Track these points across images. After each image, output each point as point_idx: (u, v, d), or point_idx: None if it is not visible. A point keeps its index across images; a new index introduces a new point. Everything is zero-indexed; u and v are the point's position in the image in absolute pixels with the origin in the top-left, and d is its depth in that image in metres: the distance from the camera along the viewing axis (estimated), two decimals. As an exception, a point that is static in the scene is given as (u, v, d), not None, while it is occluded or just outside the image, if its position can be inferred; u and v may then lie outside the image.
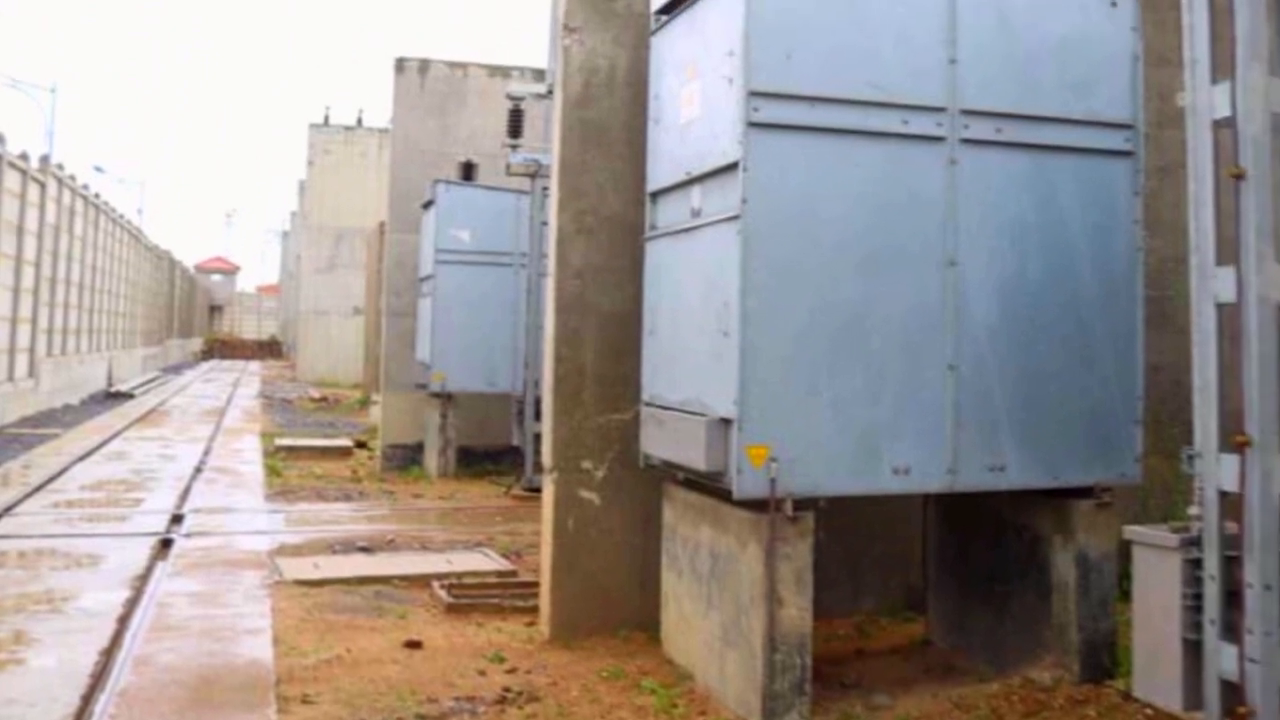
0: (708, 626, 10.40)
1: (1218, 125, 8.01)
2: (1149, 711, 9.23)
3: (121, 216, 64.53)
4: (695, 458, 9.73)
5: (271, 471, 25.59)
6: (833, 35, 9.68)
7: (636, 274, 11.72)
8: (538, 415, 17.74)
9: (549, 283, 12.46)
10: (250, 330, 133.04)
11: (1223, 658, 7.80)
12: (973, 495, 10.43)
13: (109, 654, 11.25)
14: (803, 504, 9.43)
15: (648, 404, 11.26)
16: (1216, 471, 7.92)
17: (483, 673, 10.89)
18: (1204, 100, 8.08)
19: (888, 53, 9.82)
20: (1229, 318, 7.90)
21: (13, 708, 9.78)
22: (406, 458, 26.62)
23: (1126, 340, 10.41)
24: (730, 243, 9.51)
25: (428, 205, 25.54)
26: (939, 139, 9.91)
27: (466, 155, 25.84)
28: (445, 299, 24.56)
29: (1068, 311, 10.26)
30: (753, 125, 9.39)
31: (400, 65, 27.25)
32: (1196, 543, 8.10)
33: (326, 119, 68.94)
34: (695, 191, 10.42)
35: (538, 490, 14.21)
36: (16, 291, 37.87)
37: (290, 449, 29.15)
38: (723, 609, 10.11)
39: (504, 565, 15.55)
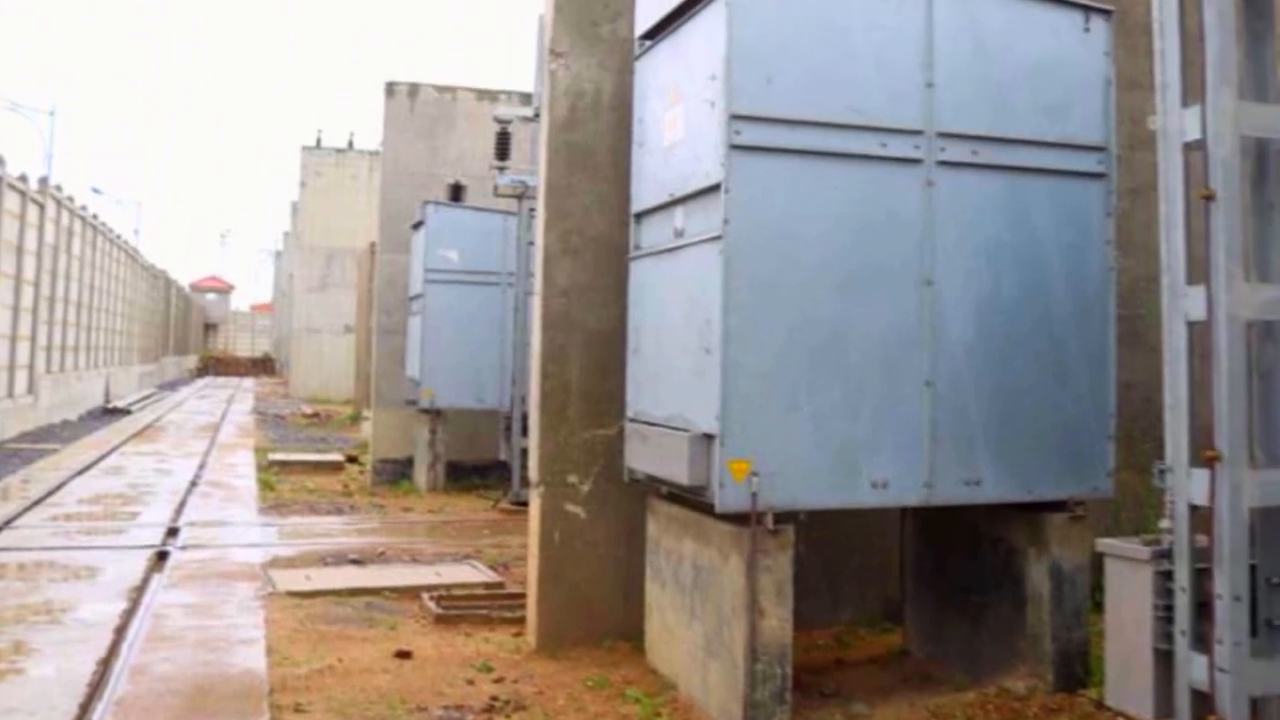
0: (691, 637, 10.38)
1: (1188, 148, 8.01)
2: (1121, 720, 9.25)
3: (118, 237, 64.40)
4: (678, 472, 9.72)
5: (265, 486, 25.52)
6: (812, 60, 9.68)
7: (621, 293, 11.71)
8: (525, 431, 17.72)
9: (535, 301, 12.45)
10: (244, 348, 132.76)
11: (1193, 667, 7.79)
12: (949, 509, 10.44)
13: (106, 664, 11.23)
14: (783, 517, 9.43)
15: (632, 420, 11.25)
16: (1187, 486, 7.91)
17: (471, 682, 10.88)
18: (1175, 123, 8.08)
19: (866, 77, 9.82)
20: (1199, 336, 7.90)
21: (13, 716, 9.75)
22: (397, 472, 26.61)
23: (1099, 358, 10.42)
24: (712, 262, 9.50)
25: (417, 226, 25.55)
26: (916, 161, 9.91)
27: (455, 177, 25.86)
28: (434, 317, 24.54)
29: (1042, 329, 10.26)
30: (734, 148, 9.39)
31: (390, 89, 27.28)
32: (1167, 555, 8.09)
33: (318, 142, 68.85)
34: (678, 212, 10.41)
35: (525, 504, 14.19)
36: (16, 310, 37.78)
37: (283, 464, 29.08)
38: (705, 620, 10.09)
39: (492, 577, 15.50)
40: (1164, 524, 8.15)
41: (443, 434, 25.46)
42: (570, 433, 12.02)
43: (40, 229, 40.92)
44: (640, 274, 11.37)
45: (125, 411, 49.97)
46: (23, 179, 38.58)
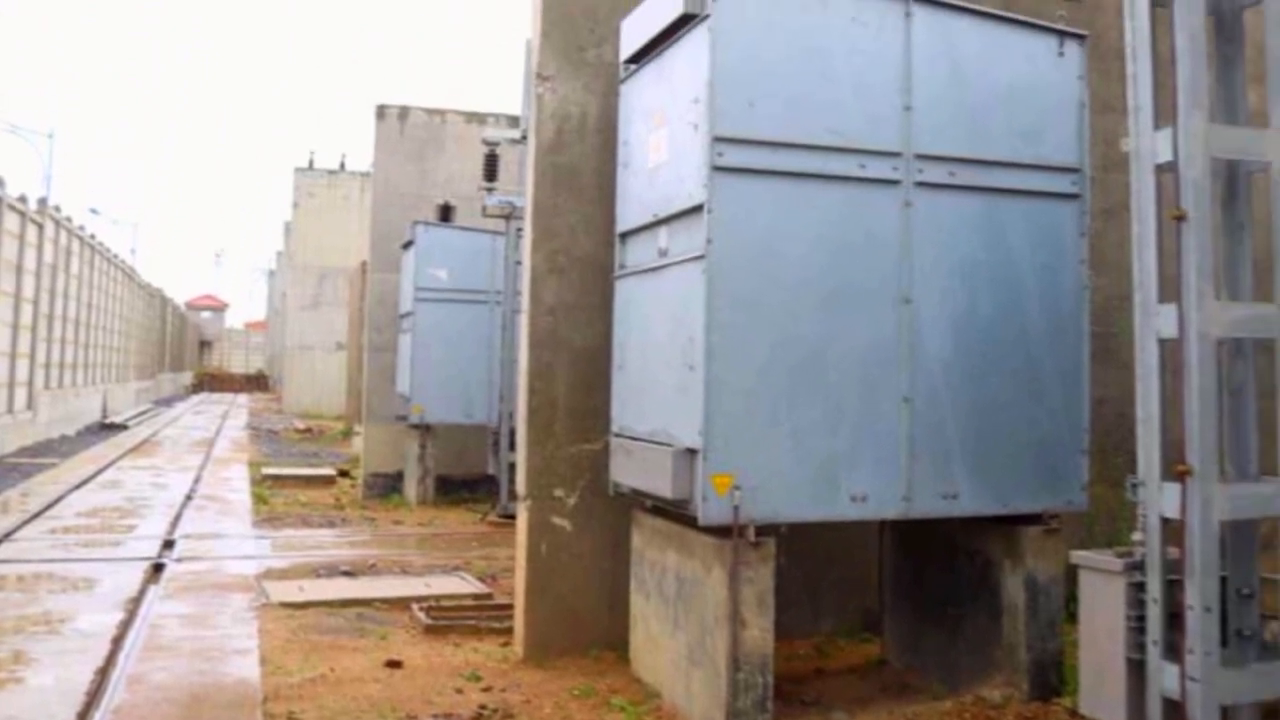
0: (674, 646, 10.36)
1: (1160, 169, 8.02)
2: (1094, 727, 9.23)
3: (116, 256, 64.29)
4: (662, 486, 9.70)
5: (259, 499, 25.46)
6: (794, 83, 9.68)
7: (606, 311, 11.70)
8: (512, 445, 17.68)
9: (523, 319, 12.44)
10: (238, 364, 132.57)
11: (1165, 677, 7.78)
12: (927, 522, 10.43)
13: (104, 673, 11.23)
14: (765, 530, 9.42)
15: (617, 435, 11.24)
16: (1159, 499, 7.91)
17: (460, 691, 10.86)
18: (1147, 145, 8.08)
19: (846, 100, 9.83)
20: (1171, 353, 7.90)
21: (13, 724, 9.76)
22: (387, 486, 26.55)
23: (1073, 374, 10.42)
24: (696, 281, 9.50)
25: (407, 245, 25.56)
26: (895, 182, 9.91)
27: (444, 198, 25.90)
28: (424, 335, 24.57)
29: (1017, 347, 10.27)
30: (717, 169, 9.38)
31: (381, 112, 27.29)
32: (1140, 567, 8.07)
33: (311, 163, 68.85)
34: (662, 232, 10.41)
35: (512, 517, 14.14)
36: (15, 328, 37.68)
37: (276, 478, 29.02)
38: (688, 630, 10.07)
39: (480, 588, 15.48)
40: (1136, 536, 8.14)
41: (432, 449, 25.47)
42: (557, 447, 12.01)
43: (39, 248, 40.84)
44: (625, 292, 11.36)
45: (122, 427, 49.88)
46: (22, 200, 38.52)
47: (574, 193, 12.16)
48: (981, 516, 10.33)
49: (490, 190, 22.58)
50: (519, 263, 16.99)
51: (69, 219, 47.67)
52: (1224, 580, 7.88)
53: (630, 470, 10.71)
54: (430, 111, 27.62)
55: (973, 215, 10.20)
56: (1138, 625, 8.07)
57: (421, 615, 13.49)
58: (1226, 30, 8.38)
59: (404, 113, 27.38)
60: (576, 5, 12.26)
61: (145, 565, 17.09)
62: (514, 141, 21.81)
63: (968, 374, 10.10)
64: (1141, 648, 8.01)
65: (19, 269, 38.07)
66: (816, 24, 9.81)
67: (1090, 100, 10.76)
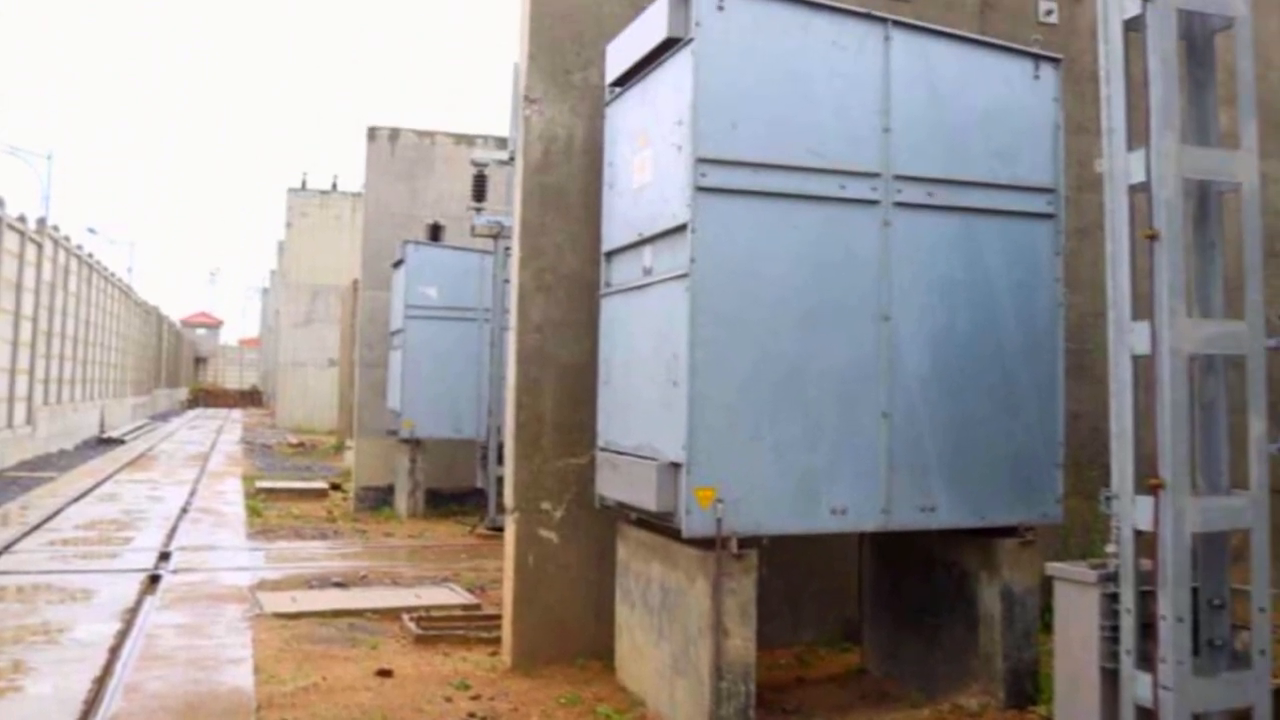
0: (659, 656, 10.34)
1: (1133, 190, 8.00)
2: (1070, 735, 9.21)
3: (113, 274, 64.29)
4: (647, 499, 9.68)
5: (252, 512, 25.41)
6: (775, 106, 9.68)
7: (592, 328, 11.69)
8: (500, 459, 17.65)
9: (511, 336, 12.45)
10: (233, 380, 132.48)
11: (1138, 685, 7.76)
12: (905, 534, 10.42)
13: (101, 682, 11.23)
14: (747, 542, 9.40)
15: (602, 449, 11.22)
16: (1132, 512, 7.88)
17: (449, 699, 10.84)
18: (1120, 166, 8.07)
19: (826, 122, 9.83)
20: (1144, 369, 7.88)
21: (13, 732, 9.75)
22: (378, 499, 26.49)
23: (1048, 389, 10.43)
24: (679, 299, 9.49)
25: (398, 264, 25.55)
26: (874, 202, 9.92)
27: (434, 217, 25.92)
28: (414, 351, 24.57)
29: (994, 363, 10.27)
30: (700, 190, 9.38)
31: (372, 133, 27.29)
32: (1113, 578, 8.05)
33: (304, 184, 68.91)
34: (647, 251, 10.40)
35: (500, 529, 14.12)
36: (15, 344, 37.63)
37: (270, 491, 28.96)
38: (672, 639, 10.04)
39: (469, 599, 15.46)
40: (1110, 548, 8.11)
41: (422, 463, 25.43)
42: (544, 461, 11.99)
43: (38, 267, 40.79)
44: (611, 310, 11.34)
45: (119, 441, 49.83)
46: (21, 219, 38.49)
47: (561, 212, 12.15)
48: (959, 529, 10.32)
49: (479, 210, 22.57)
50: (507, 281, 17.04)
51: (67, 238, 47.61)
52: (1195, 591, 7.86)
53: (616, 484, 10.69)
54: (420, 133, 27.63)
55: (950, 234, 10.21)
56: (1111, 635, 8.04)
57: (412, 625, 13.47)
58: (1198, 54, 8.37)
59: (394, 134, 27.39)
60: (563, 30, 12.27)
61: (142, 576, 17.07)
62: (502, 162, 21.82)
63: (945, 389, 10.10)
64: (1115, 657, 7.99)
65: (18, 287, 38.02)
66: (797, 47, 9.82)
67: (1065, 122, 10.78)
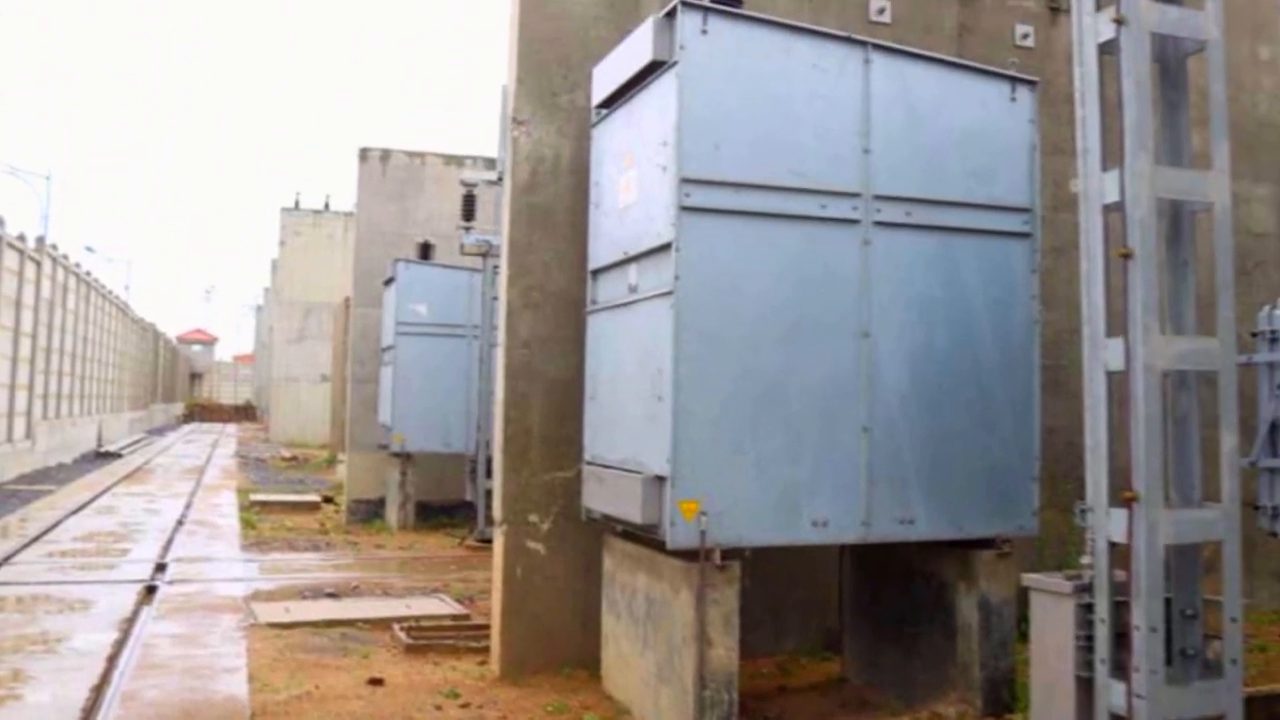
0: (644, 665, 10.31)
1: (1107, 209, 8.01)
2: (1046, 743, 9.19)
3: (110, 292, 64.16)
4: (632, 511, 9.66)
5: (247, 524, 25.35)
6: (757, 127, 9.67)
7: (579, 344, 11.67)
8: (489, 473, 17.64)
9: (499, 352, 12.42)
10: (227, 396, 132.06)
11: (1112, 694, 7.75)
12: (885, 545, 10.38)
13: (99, 690, 11.23)
14: (730, 554, 9.38)
15: (589, 463, 11.20)
16: (1106, 524, 7.88)
17: (439, 707, 10.83)
18: (1095, 186, 8.07)
19: (807, 143, 9.82)
20: (1118, 384, 7.88)
21: (13, 740, 9.72)
22: (370, 512, 26.42)
23: (1024, 405, 10.42)
24: (664, 316, 9.48)
25: (389, 282, 25.54)
26: (854, 221, 9.91)
27: (424, 236, 25.94)
28: (405, 367, 24.54)
29: (971, 378, 10.26)
30: (684, 209, 9.37)
31: (364, 154, 27.26)
32: (1088, 589, 8.04)
33: (297, 203, 68.80)
34: (632, 269, 10.38)
35: (489, 541, 14.12)
36: (15, 360, 37.54)
37: (264, 504, 28.91)
38: (657, 649, 10.02)
39: (458, 609, 15.41)
40: (1085, 560, 8.11)
41: (413, 476, 25.38)
42: (531, 475, 11.96)
43: (37, 285, 40.70)
44: (597, 327, 11.33)
45: (117, 455, 49.67)
46: (21, 238, 38.40)
47: (548, 231, 12.13)
48: (937, 541, 10.31)
49: (468, 229, 22.59)
50: (495, 298, 16.99)
51: (65, 257, 47.50)
52: (1168, 602, 7.86)
53: (602, 496, 10.66)
54: (411, 154, 27.61)
55: (928, 253, 10.20)
56: (1086, 644, 8.03)
57: (402, 635, 13.42)
58: (1171, 76, 8.38)
59: (385, 155, 27.37)
60: (550, 53, 12.26)
61: (138, 587, 17.02)
62: (491, 182, 21.82)
63: (924, 404, 10.09)
64: (1090, 666, 7.98)
65: (18, 304, 37.95)
66: (779, 70, 9.82)
67: (1041, 143, 10.78)
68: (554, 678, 11.67)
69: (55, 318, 45.08)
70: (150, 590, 16.86)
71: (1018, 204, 10.54)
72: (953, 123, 10.38)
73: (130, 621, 14.52)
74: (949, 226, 10.27)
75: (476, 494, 22.67)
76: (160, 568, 19.08)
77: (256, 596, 16.52)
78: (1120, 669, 7.73)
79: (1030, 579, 8.64)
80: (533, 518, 11.95)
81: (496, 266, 18.03)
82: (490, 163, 24.30)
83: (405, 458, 25.14)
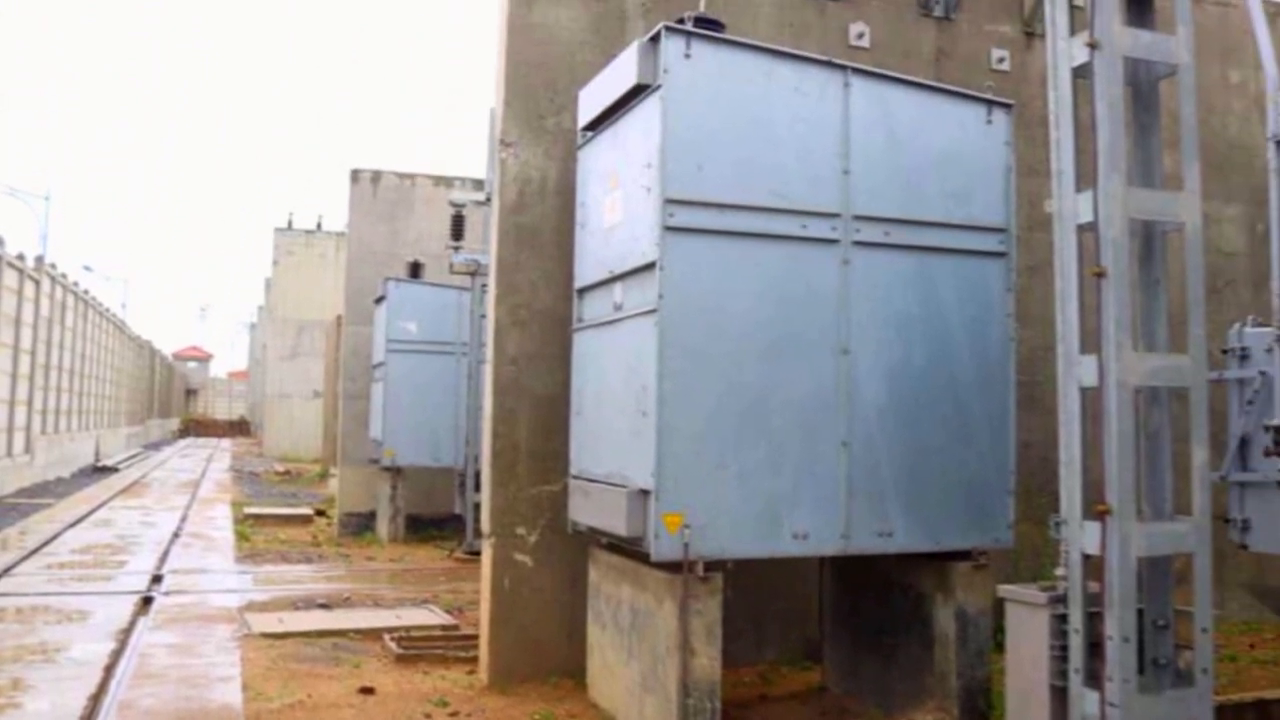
0: (628, 674, 10.28)
1: (1081, 229, 8.01)
2: (1021, 750, 9.18)
3: (107, 310, 64.05)
4: (617, 524, 9.65)
5: (241, 537, 25.34)
6: (739, 149, 9.67)
7: (565, 361, 11.67)
8: (478, 487, 17.58)
9: (487, 369, 12.41)
10: (222, 411, 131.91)
11: (1086, 703, 7.74)
12: (864, 557, 10.37)
13: (96, 699, 11.22)
14: (713, 565, 9.37)
15: (575, 477, 11.18)
16: (1080, 536, 7.87)
17: (428, 716, 10.83)
18: (1069, 207, 8.07)
19: (789, 165, 9.82)
20: (1091, 400, 7.88)
21: (13, 748, 9.70)
22: (361, 524, 26.39)
23: (1000, 420, 10.42)
24: (648, 333, 9.46)
25: (379, 300, 25.55)
26: (834, 241, 9.91)
27: (414, 256, 25.92)
28: (395, 383, 24.58)
29: (948, 394, 10.26)
30: (668, 229, 9.37)
31: (355, 176, 27.27)
32: (1062, 600, 8.03)
33: (290, 223, 68.68)
34: (617, 288, 10.37)
35: (477, 553, 14.06)
36: (14, 377, 37.49)
37: (257, 517, 28.89)
38: (642, 658, 9.99)
39: (448, 620, 15.40)
40: (1059, 571, 8.10)
41: (403, 489, 25.35)
42: (519, 488, 11.94)
43: (36, 303, 40.66)
44: (582, 344, 11.31)
45: (114, 469, 49.62)
46: (20, 258, 38.36)
47: (535, 251, 12.13)
48: (915, 553, 10.29)
49: (457, 249, 22.61)
50: (484, 316, 16.95)
51: (64, 275, 47.46)
52: (1141, 612, 7.87)
53: (587, 510, 10.64)
54: (401, 175, 27.62)
55: (906, 272, 10.20)
56: (1060, 654, 8.02)
57: (393, 645, 13.41)
58: (1143, 99, 8.39)
59: (376, 176, 27.37)
60: (537, 77, 12.26)
61: (135, 598, 17.02)
62: (479, 203, 21.84)
63: (902, 420, 10.08)
64: (1064, 675, 7.97)
65: (17, 322, 37.91)
66: (761, 93, 9.82)
67: (1016, 164, 10.81)
68: (541, 686, 11.65)
69: (54, 335, 45.02)
70: (147, 601, 16.84)
71: (994, 224, 10.55)
72: (930, 144, 10.39)
73: (127, 632, 14.51)
74: (927, 246, 10.28)
75: (465, 507, 22.66)
76: (156, 579, 19.04)
77: (250, 607, 16.47)
78: (1094, 678, 7.72)
79: (1006, 590, 8.62)
80: (520, 530, 11.93)
81: (485, 285, 18.00)
82: (479, 184, 24.28)
83: (396, 472, 25.11)
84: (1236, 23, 15.43)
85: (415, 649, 13.32)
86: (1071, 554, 7.98)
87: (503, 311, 12.09)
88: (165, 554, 22.37)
